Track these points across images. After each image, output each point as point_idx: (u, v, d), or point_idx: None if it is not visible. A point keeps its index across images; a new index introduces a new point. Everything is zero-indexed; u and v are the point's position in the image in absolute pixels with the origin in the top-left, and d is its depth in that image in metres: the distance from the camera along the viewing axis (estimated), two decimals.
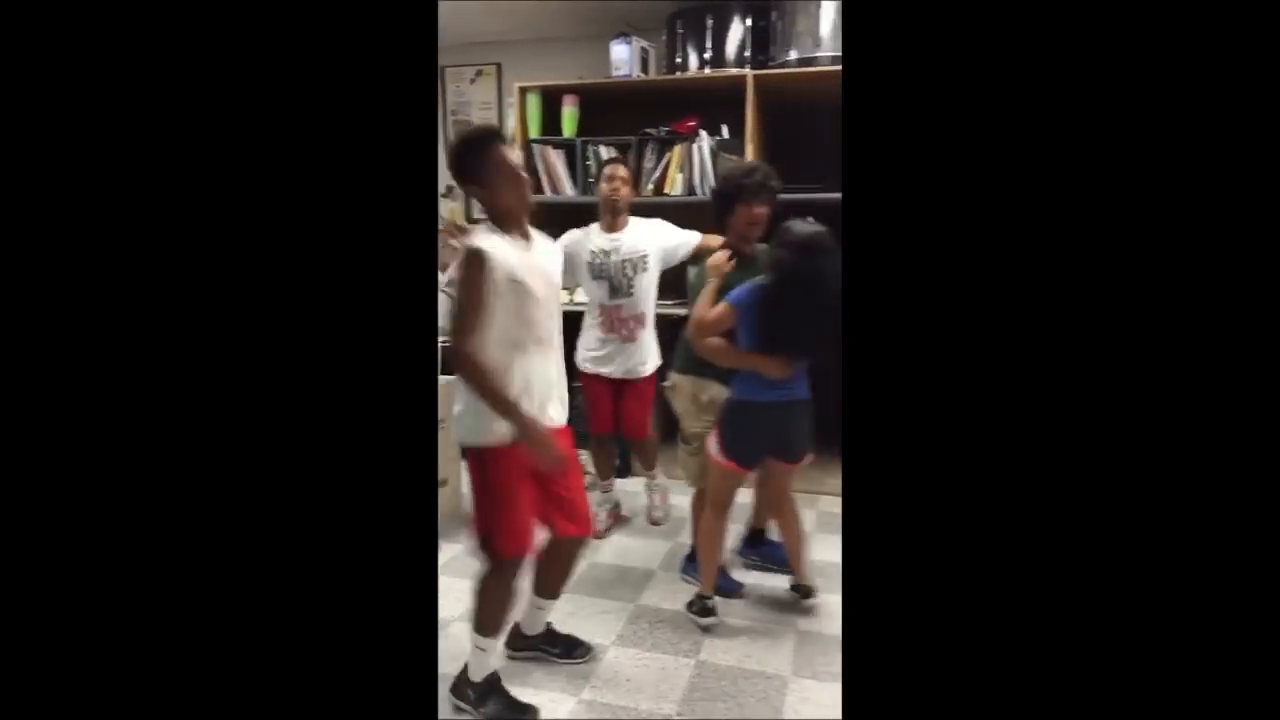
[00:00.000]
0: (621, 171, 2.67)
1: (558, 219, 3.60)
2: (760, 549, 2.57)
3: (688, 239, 2.69)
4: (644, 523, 2.94)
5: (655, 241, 2.66)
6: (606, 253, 2.65)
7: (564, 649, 2.03)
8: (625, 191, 2.65)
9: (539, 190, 3.39)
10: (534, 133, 3.39)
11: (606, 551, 2.70)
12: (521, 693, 1.87)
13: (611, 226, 2.68)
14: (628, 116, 3.34)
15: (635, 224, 2.71)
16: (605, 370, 2.71)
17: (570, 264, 2.69)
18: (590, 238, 2.70)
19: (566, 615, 2.24)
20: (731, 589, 2.35)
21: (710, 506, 2.17)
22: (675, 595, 2.37)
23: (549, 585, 1.96)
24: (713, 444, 2.12)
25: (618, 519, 2.94)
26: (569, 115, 3.38)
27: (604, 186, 2.66)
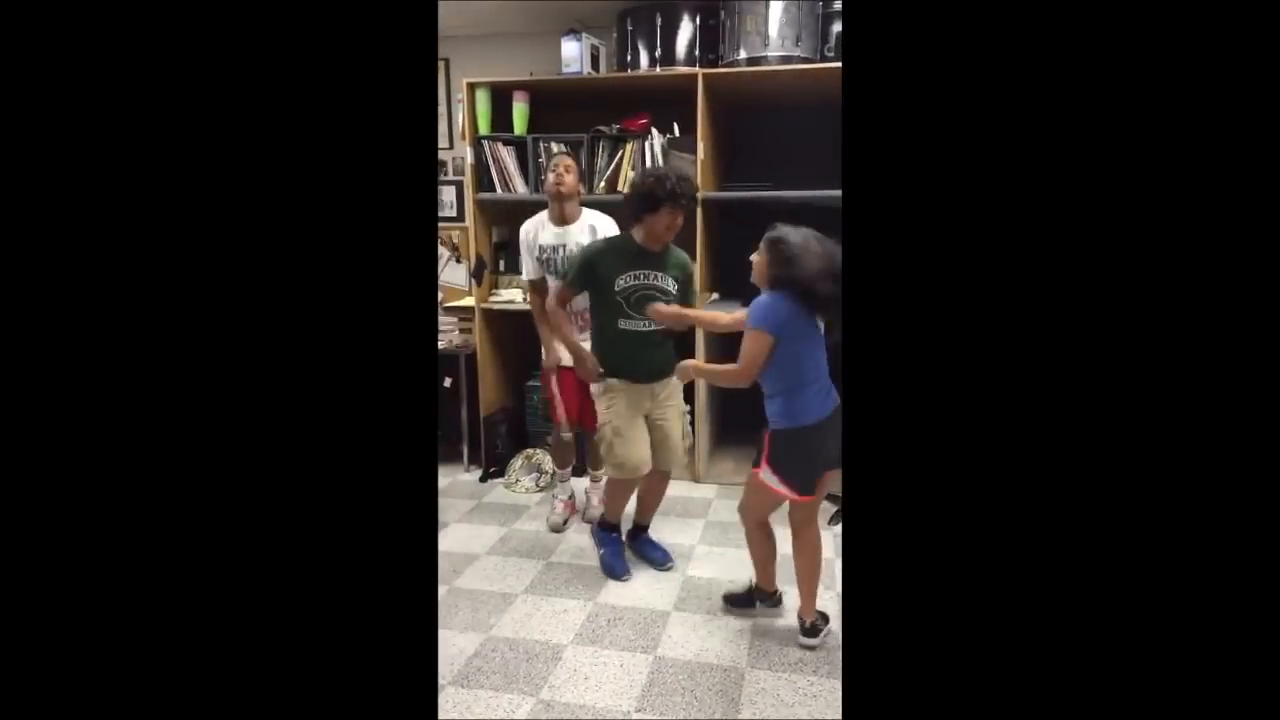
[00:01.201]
0: (566, 161, 2.71)
1: (509, 216, 3.58)
2: (639, 542, 2.64)
3: None
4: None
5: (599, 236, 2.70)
6: (554, 248, 2.73)
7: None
8: (569, 180, 2.68)
9: (490, 188, 3.36)
10: (483, 129, 3.35)
11: (563, 551, 2.69)
12: (479, 695, 1.86)
13: (560, 219, 2.73)
14: (579, 113, 3.33)
15: (585, 218, 2.75)
16: (565, 362, 2.75)
17: (528, 253, 2.81)
18: (541, 230, 2.76)
19: (524, 616, 2.24)
20: (621, 570, 2.48)
21: (759, 527, 2.09)
22: (633, 593, 2.38)
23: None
24: (766, 476, 1.95)
25: (574, 510, 2.97)
26: (519, 112, 3.35)
27: (549, 177, 2.70)
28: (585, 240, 2.71)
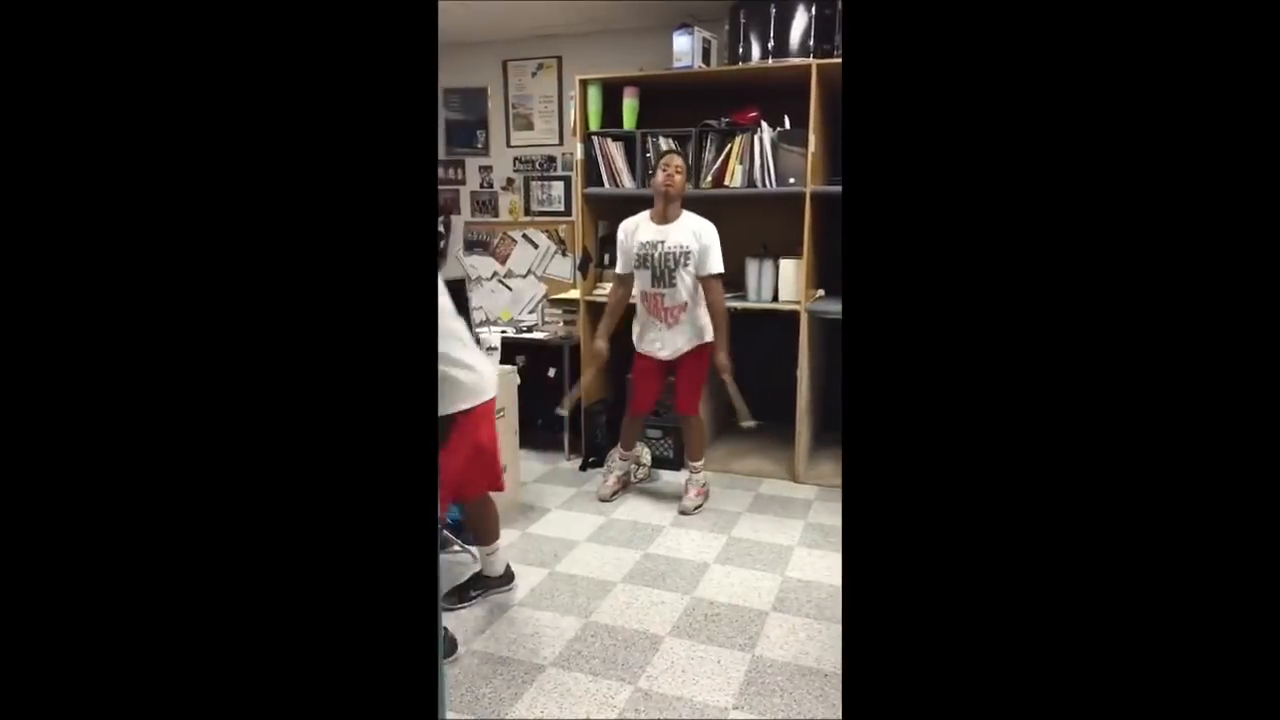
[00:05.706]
0: (677, 161, 2.79)
1: (618, 211, 3.62)
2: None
3: (712, 265, 2.79)
4: (698, 518, 2.94)
5: (698, 242, 2.79)
6: (654, 244, 2.82)
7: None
8: (679, 180, 2.77)
9: (599, 183, 3.41)
10: (594, 125, 3.41)
11: (660, 543, 2.71)
12: (578, 679, 1.90)
13: (662, 217, 2.81)
14: (689, 108, 3.33)
15: (685, 219, 2.82)
16: (655, 351, 2.93)
17: (624, 250, 2.92)
18: (641, 228, 2.86)
19: (622, 605, 2.26)
20: None
21: None
22: (730, 588, 2.37)
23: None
24: None
25: (625, 486, 3.18)
26: (629, 107, 3.38)
27: (659, 175, 2.78)
28: (685, 240, 2.77)
